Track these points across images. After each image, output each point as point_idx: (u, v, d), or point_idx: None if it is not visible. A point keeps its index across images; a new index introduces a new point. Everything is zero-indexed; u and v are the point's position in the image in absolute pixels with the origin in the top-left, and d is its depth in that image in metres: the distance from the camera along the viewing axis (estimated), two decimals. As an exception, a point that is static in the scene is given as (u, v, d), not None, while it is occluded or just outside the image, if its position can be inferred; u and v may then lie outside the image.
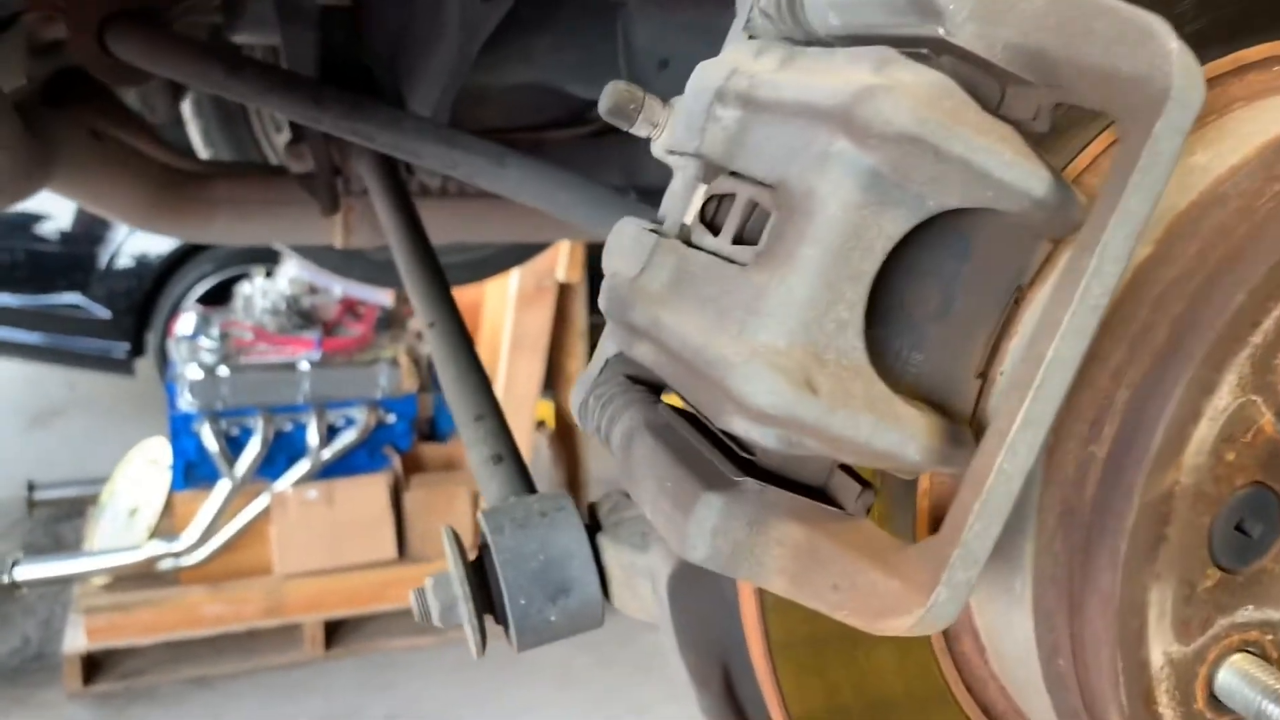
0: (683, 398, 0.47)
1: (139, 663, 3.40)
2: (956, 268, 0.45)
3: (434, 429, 4.04)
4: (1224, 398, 0.43)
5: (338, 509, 3.61)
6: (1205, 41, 0.51)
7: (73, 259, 4.74)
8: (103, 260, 4.76)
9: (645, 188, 1.30)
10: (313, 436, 3.54)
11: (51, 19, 1.07)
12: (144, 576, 3.38)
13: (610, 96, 0.56)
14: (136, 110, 1.35)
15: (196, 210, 1.26)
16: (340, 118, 1.00)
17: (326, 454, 3.56)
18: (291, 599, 3.47)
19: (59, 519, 4.28)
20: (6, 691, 3.37)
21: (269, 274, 4.23)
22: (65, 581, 3.51)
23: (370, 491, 3.74)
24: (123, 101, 1.36)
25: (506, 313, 3.97)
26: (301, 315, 3.90)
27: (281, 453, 3.53)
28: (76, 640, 3.27)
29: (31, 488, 4.19)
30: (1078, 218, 0.43)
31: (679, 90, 0.99)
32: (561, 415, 4.47)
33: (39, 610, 3.71)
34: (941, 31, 0.40)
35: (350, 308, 4.01)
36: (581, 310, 4.30)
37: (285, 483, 3.47)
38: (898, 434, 0.41)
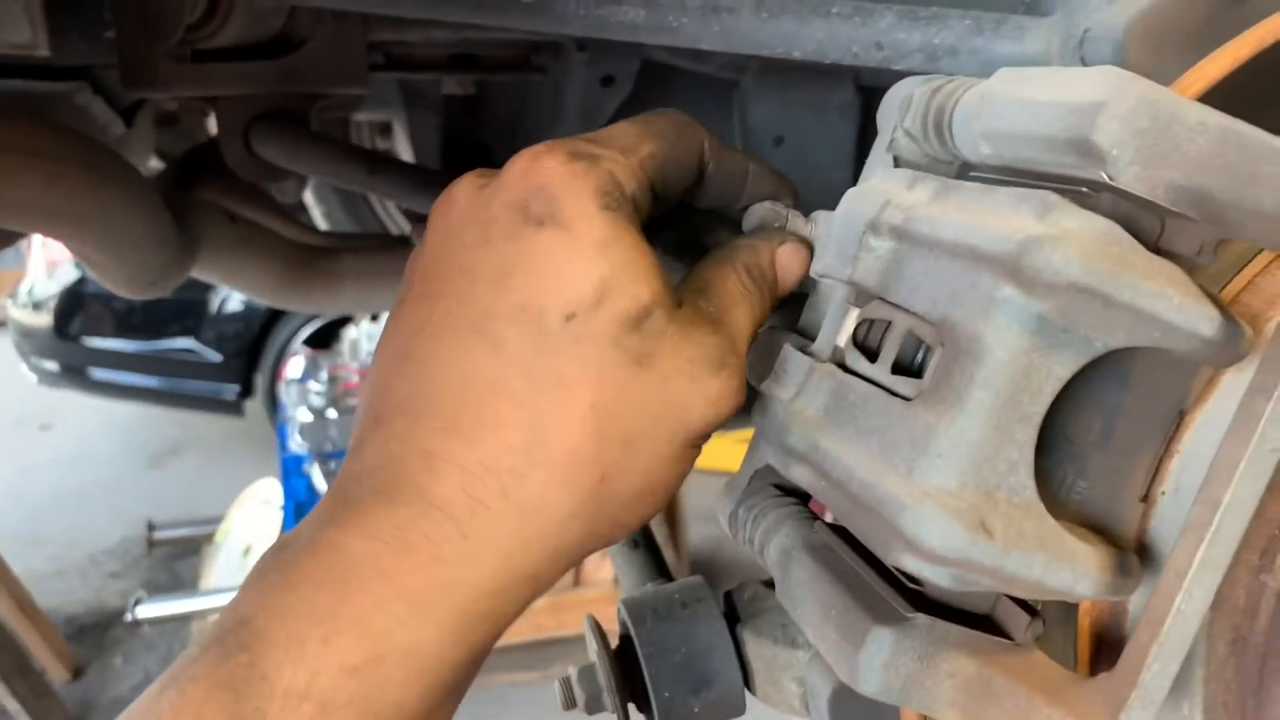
0: (847, 526, 0.48)
1: (254, 699, 3.49)
2: (1118, 397, 0.45)
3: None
4: (1403, 527, 0.43)
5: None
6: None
7: (184, 305, 4.94)
8: (213, 306, 4.94)
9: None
10: (417, 477, 3.61)
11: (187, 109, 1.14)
12: (258, 615, 3.47)
13: (756, 215, 0.58)
14: (263, 188, 1.42)
15: (325, 284, 1.31)
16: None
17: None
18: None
19: (177, 557, 4.44)
20: (131, 727, 3.49)
21: (374, 317, 4.35)
22: (184, 619, 3.64)
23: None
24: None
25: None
26: (404, 358, 3.99)
27: (387, 493, 3.61)
28: (196, 678, 3.38)
29: (151, 527, 4.36)
30: (1243, 351, 0.43)
31: (794, 165, 1.00)
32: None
33: (159, 646, 3.85)
34: (1104, 176, 0.41)
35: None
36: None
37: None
38: (1070, 571, 0.42)
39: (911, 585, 0.46)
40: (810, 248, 0.57)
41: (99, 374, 5.08)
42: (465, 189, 0.52)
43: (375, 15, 0.96)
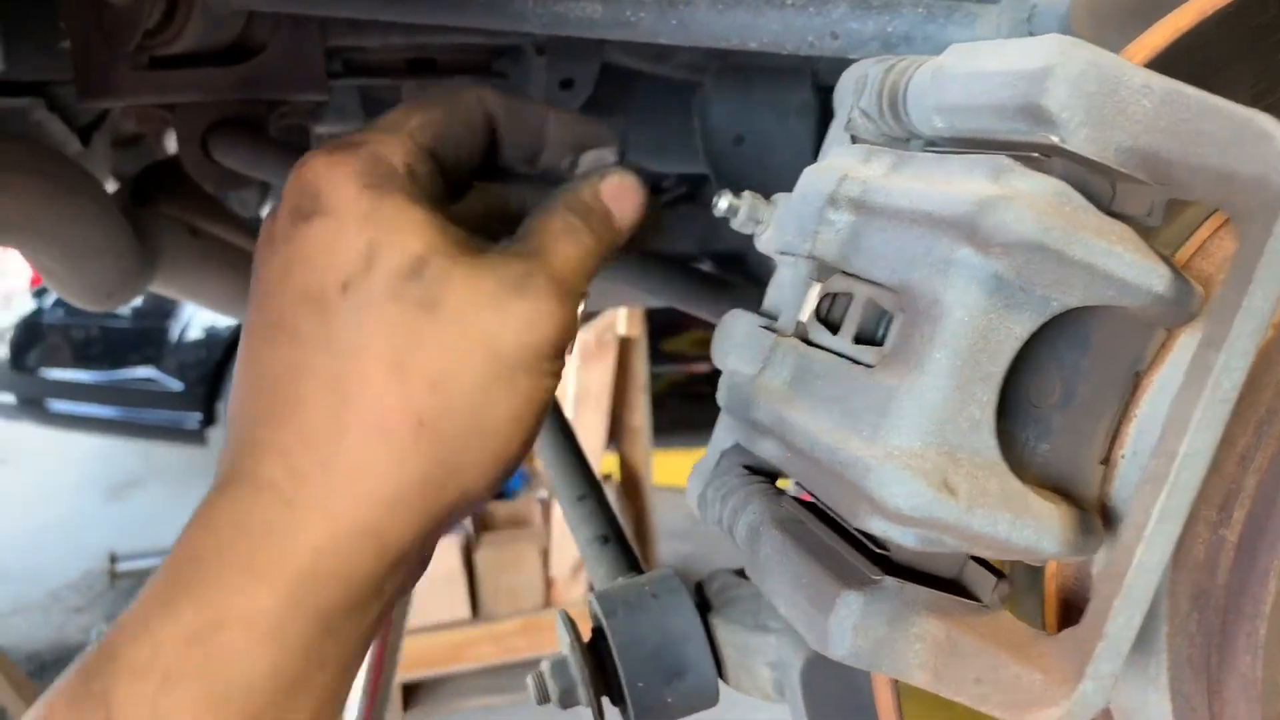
0: (813, 494, 0.49)
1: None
2: (1077, 359, 0.46)
3: (506, 486, 4.07)
4: (1354, 478, 0.44)
5: (411, 570, 3.64)
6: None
7: (145, 334, 4.89)
8: (174, 334, 4.89)
9: (718, 254, 1.33)
10: (385, 500, 3.58)
11: (144, 118, 1.13)
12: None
13: (583, 165, 0.60)
14: (223, 201, 1.41)
15: (287, 297, 1.30)
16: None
17: (399, 516, 3.60)
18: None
19: (141, 590, 4.36)
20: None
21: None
22: (149, 652, 3.57)
23: (444, 551, 3.78)
24: (210, 194, 1.41)
25: (570, 370, 4.01)
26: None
27: (355, 517, 3.58)
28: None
29: (114, 560, 4.29)
30: (1195, 309, 0.44)
31: (754, 164, 1.01)
32: (626, 467, 4.49)
33: (123, 681, 3.78)
34: (1055, 139, 0.42)
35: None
36: (642, 364, 4.33)
37: (360, 547, 3.51)
38: (1034, 529, 0.42)
39: (879, 551, 0.46)
40: (639, 178, 0.58)
41: (57, 406, 5.01)
42: (269, 214, 0.55)
43: (333, 20, 0.96)
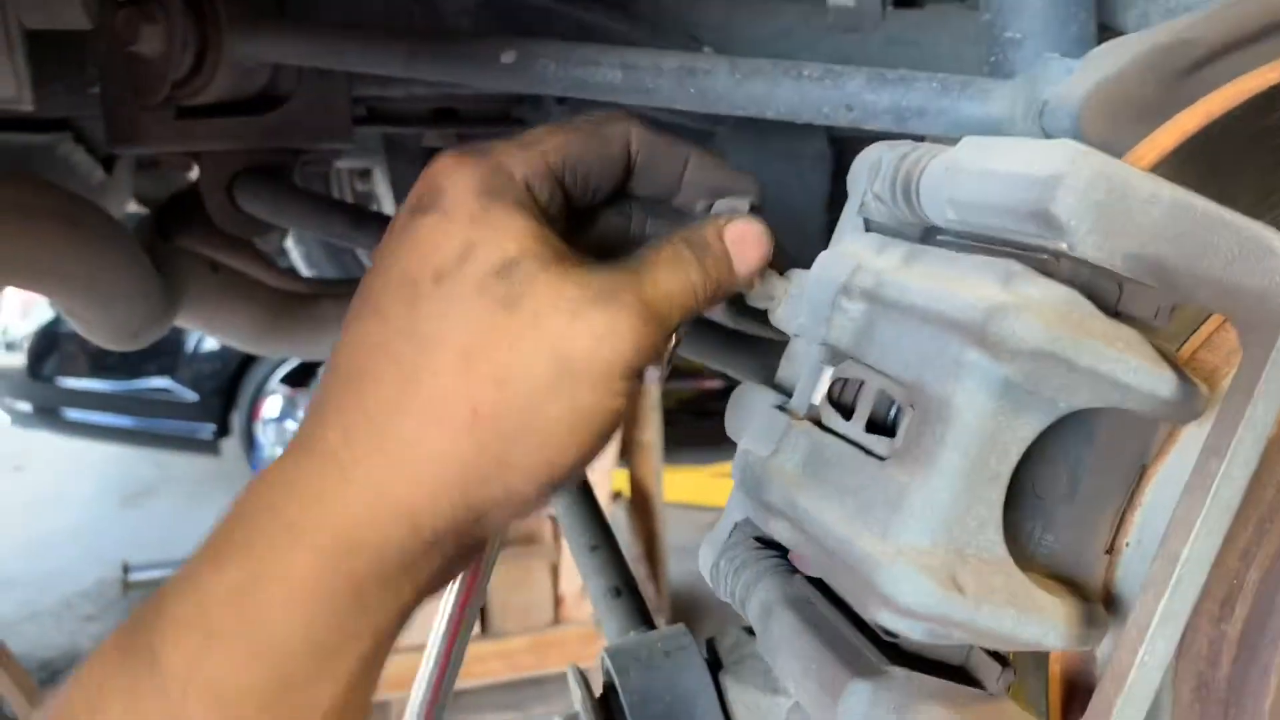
0: (825, 580, 0.50)
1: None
2: (1082, 452, 0.47)
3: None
4: (1354, 577, 0.44)
5: (425, 587, 3.64)
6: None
7: (160, 345, 4.88)
8: (189, 345, 4.92)
9: (732, 298, 1.33)
10: (397, 515, 3.59)
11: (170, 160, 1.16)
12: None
13: (716, 211, 0.60)
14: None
15: (306, 330, 1.32)
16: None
17: (411, 532, 3.61)
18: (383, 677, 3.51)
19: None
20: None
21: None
22: (160, 663, 3.58)
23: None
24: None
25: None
26: (382, 396, 3.99)
27: (367, 532, 3.59)
28: None
29: (127, 569, 4.31)
30: (1200, 409, 0.45)
31: (769, 213, 1.02)
32: (636, 485, 4.49)
33: (134, 691, 3.79)
34: (1063, 245, 0.43)
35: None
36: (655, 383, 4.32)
37: (371, 562, 3.52)
38: (1039, 624, 0.43)
39: (888, 637, 0.47)
40: (767, 230, 0.58)
41: (73, 414, 5.04)
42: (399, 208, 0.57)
43: (359, 72, 0.98)
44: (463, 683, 3.76)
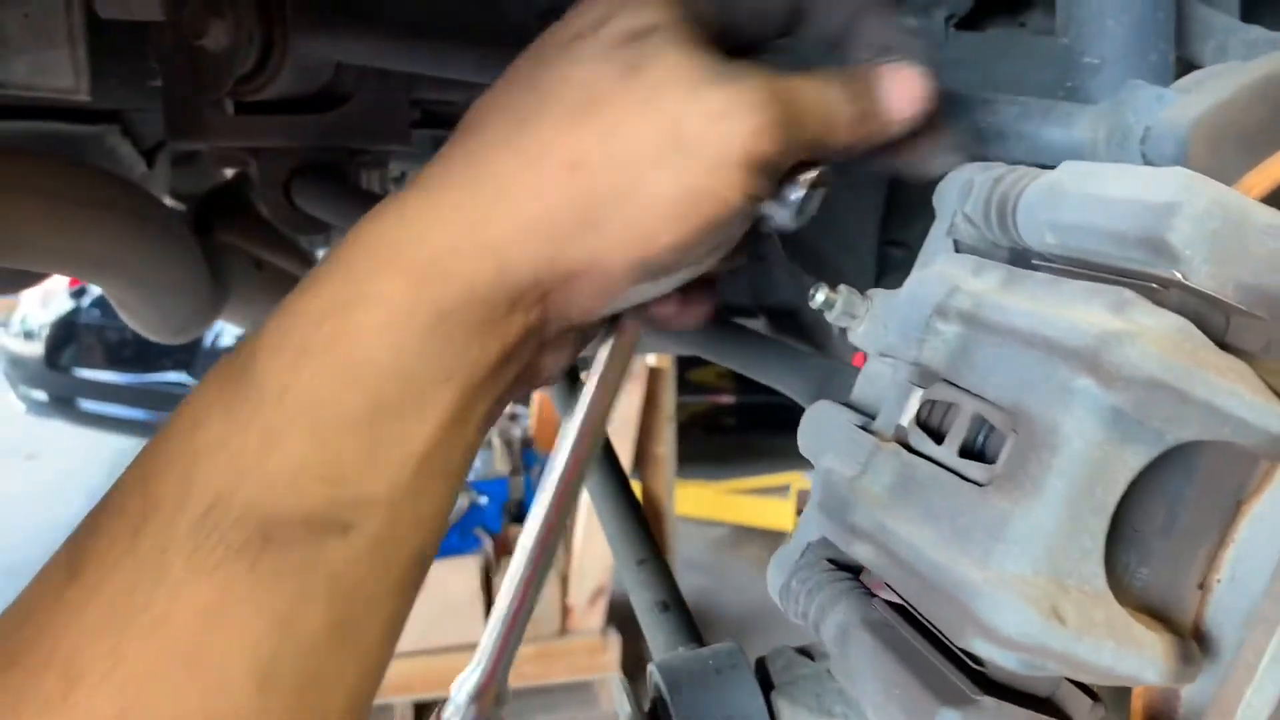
0: (911, 606, 0.49)
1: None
2: (1182, 487, 0.46)
3: (523, 511, 4.09)
4: None
5: (430, 590, 3.58)
6: None
7: (178, 338, 4.92)
8: (207, 340, 4.93)
9: (773, 308, 1.33)
10: (408, 519, 3.59)
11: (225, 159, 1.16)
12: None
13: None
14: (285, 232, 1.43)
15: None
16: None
17: (421, 537, 3.61)
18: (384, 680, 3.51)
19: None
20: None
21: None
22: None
23: (462, 573, 3.79)
24: (271, 222, 1.43)
25: (598, 398, 4.01)
26: (399, 398, 3.99)
27: (377, 535, 3.59)
28: None
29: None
30: (1307, 445, 0.44)
31: (820, 231, 1.01)
32: (649, 498, 4.49)
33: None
34: (1177, 274, 0.43)
35: (445, 391, 4.09)
36: (670, 395, 4.34)
37: (381, 565, 3.52)
38: (1138, 658, 0.42)
39: (974, 666, 0.46)
40: (932, 84, 0.55)
41: (88, 405, 5.06)
42: None
43: (420, 75, 0.98)
44: (469, 690, 3.73)
